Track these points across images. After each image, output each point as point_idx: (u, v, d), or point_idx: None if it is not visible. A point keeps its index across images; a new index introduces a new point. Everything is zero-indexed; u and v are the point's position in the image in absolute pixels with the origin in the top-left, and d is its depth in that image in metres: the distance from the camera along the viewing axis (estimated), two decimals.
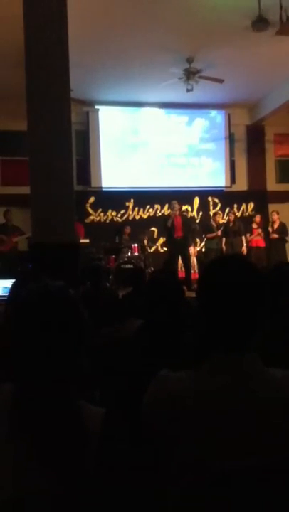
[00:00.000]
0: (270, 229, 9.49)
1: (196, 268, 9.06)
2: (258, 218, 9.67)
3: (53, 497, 0.90)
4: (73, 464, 0.93)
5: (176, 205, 8.65)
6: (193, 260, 9.08)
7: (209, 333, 1.07)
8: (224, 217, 9.75)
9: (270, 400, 1.01)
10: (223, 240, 9.16)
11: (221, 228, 9.14)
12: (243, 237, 9.34)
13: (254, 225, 9.58)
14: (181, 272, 8.37)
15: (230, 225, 9.30)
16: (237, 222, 9.46)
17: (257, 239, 9.47)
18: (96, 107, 10.05)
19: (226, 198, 10.67)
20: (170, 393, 1.03)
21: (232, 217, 9.48)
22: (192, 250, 9.15)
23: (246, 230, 9.62)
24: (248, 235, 9.52)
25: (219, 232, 9.07)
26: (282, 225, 9.49)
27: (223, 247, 9.13)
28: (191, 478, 0.97)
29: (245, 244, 9.32)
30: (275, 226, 9.50)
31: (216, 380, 1.02)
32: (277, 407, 1.01)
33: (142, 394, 1.08)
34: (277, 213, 9.66)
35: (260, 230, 9.46)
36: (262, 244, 9.45)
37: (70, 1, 4.53)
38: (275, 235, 9.40)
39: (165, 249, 9.89)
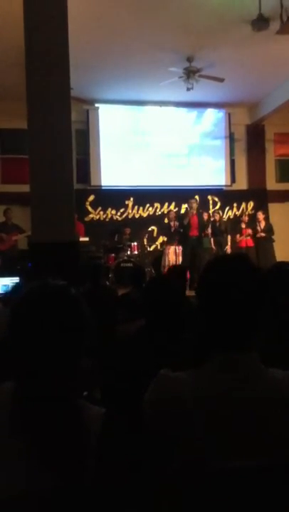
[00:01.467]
0: (258, 228, 9.50)
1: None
2: (245, 218, 9.69)
3: (54, 496, 0.90)
4: (73, 463, 0.93)
5: (195, 204, 8.65)
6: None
7: (209, 332, 1.07)
8: (214, 215, 9.60)
9: (270, 401, 1.02)
10: (212, 239, 9.13)
11: (210, 226, 9.12)
12: (229, 236, 9.35)
13: (243, 225, 9.58)
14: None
15: (217, 224, 9.31)
16: (223, 222, 9.49)
17: (247, 239, 9.49)
18: (96, 105, 10.04)
19: (226, 196, 10.68)
20: (170, 393, 1.03)
21: (217, 217, 9.46)
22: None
23: (235, 230, 9.61)
24: (237, 236, 9.52)
25: (209, 230, 9.06)
26: (268, 225, 9.52)
27: (213, 246, 9.10)
28: (191, 477, 0.98)
29: (229, 244, 9.31)
30: (262, 226, 9.52)
31: (216, 379, 1.02)
32: (277, 408, 1.01)
33: (143, 393, 1.08)
34: (263, 213, 9.67)
35: (249, 230, 9.48)
36: (251, 244, 9.47)
37: (71, 0, 4.53)
38: (263, 234, 9.41)
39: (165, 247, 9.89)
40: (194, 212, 8.56)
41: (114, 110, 10.20)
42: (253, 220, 9.78)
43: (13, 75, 6.87)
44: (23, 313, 0.97)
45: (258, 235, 9.43)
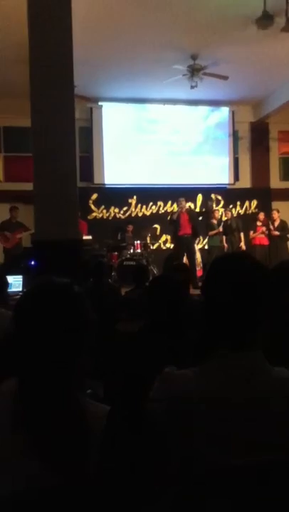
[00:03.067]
0: (271, 227, 9.49)
1: (200, 265, 9.05)
2: (261, 216, 9.67)
3: (55, 494, 0.90)
4: (76, 461, 0.93)
5: (183, 203, 8.63)
6: (198, 258, 9.07)
7: (214, 330, 1.07)
8: (222, 215, 9.69)
9: (274, 399, 1.01)
10: (224, 237, 9.18)
11: (221, 225, 9.16)
12: (242, 234, 9.36)
13: (258, 223, 9.58)
14: None
15: (229, 222, 9.32)
16: (234, 219, 9.48)
17: (260, 237, 9.47)
18: (100, 103, 10.02)
19: (230, 195, 10.65)
20: (175, 390, 1.03)
21: (229, 215, 9.50)
22: (196, 247, 9.13)
23: (250, 227, 9.62)
24: (251, 232, 9.53)
25: (221, 229, 9.10)
26: (283, 223, 9.49)
27: (225, 244, 9.15)
28: (193, 474, 0.98)
29: (243, 241, 9.33)
30: (276, 224, 9.51)
31: (221, 377, 1.02)
32: (281, 407, 1.01)
33: (146, 391, 1.08)
34: (278, 211, 9.66)
35: (264, 228, 9.46)
36: (265, 242, 9.45)
37: None
38: (276, 233, 9.40)
39: (168, 245, 9.89)
40: (183, 210, 8.52)
41: (117, 108, 10.18)
42: (268, 218, 9.75)
43: (17, 73, 6.86)
44: (27, 309, 0.97)
45: (272, 233, 9.41)
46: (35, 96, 4.28)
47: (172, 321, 1.73)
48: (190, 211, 8.76)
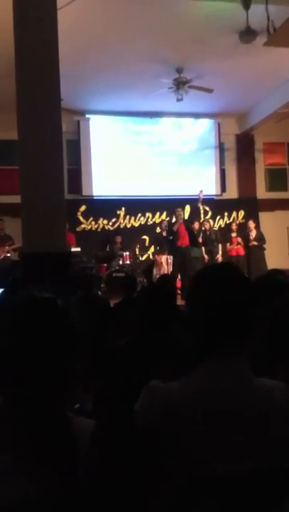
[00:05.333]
0: (250, 237, 9.58)
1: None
2: (235, 227, 9.76)
3: (43, 508, 0.89)
4: (63, 476, 0.92)
5: (181, 213, 8.64)
6: None
7: (199, 339, 1.07)
8: (204, 225, 9.68)
9: (260, 405, 1.02)
10: (203, 248, 9.20)
11: (201, 236, 9.19)
12: (220, 245, 9.42)
13: (233, 234, 9.65)
14: (178, 281, 8.29)
15: (208, 233, 9.37)
16: (213, 231, 9.54)
17: (237, 247, 9.54)
18: (87, 116, 10.09)
19: (217, 205, 10.73)
20: (160, 403, 1.03)
21: (207, 226, 9.54)
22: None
23: (225, 239, 9.68)
24: (227, 245, 9.59)
25: (200, 239, 9.12)
26: (259, 234, 9.60)
27: (205, 255, 9.17)
28: (182, 485, 0.97)
29: (220, 253, 9.38)
30: (253, 234, 9.59)
31: (206, 385, 1.02)
32: (267, 413, 1.01)
33: (133, 403, 1.07)
34: (253, 222, 9.76)
35: (239, 239, 9.54)
36: (242, 252, 9.53)
37: (61, 11, 4.57)
38: (255, 243, 9.48)
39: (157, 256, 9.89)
40: (181, 221, 8.54)
41: (104, 120, 10.26)
42: (242, 229, 9.85)
43: (3, 86, 6.87)
44: (9, 327, 0.95)
45: (251, 244, 9.49)
46: (22, 109, 4.29)
47: (161, 331, 1.73)
48: (185, 221, 8.78)
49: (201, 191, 9.14)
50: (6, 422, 0.94)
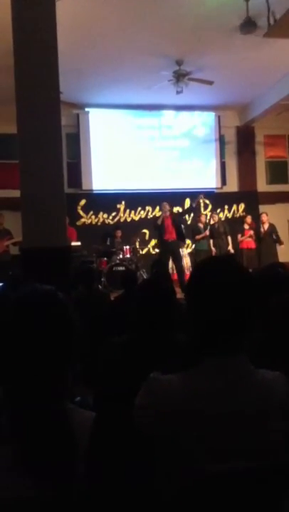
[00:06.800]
0: (261, 229, 9.56)
1: (190, 270, 9.05)
2: (248, 219, 9.73)
3: (43, 502, 0.89)
4: (63, 469, 0.92)
5: (167, 206, 8.60)
6: (187, 262, 9.07)
7: (199, 335, 1.07)
8: (209, 218, 9.74)
9: (259, 402, 1.01)
10: (211, 241, 9.20)
11: (208, 228, 9.19)
12: (229, 238, 9.40)
13: (246, 226, 9.64)
14: (174, 274, 8.34)
15: (216, 226, 9.36)
16: (221, 223, 9.52)
17: (248, 240, 9.52)
18: (86, 109, 10.04)
19: (217, 199, 10.71)
20: (160, 396, 1.03)
21: (216, 218, 9.54)
22: (184, 252, 9.13)
23: (237, 231, 9.67)
24: (239, 236, 9.58)
25: (207, 232, 9.12)
26: (271, 226, 9.57)
27: (212, 248, 9.18)
28: (181, 480, 0.97)
29: (231, 245, 9.36)
30: (265, 227, 9.58)
31: (206, 382, 1.02)
32: (266, 409, 1.01)
33: (133, 397, 1.07)
34: (267, 214, 9.73)
35: (252, 232, 9.51)
36: (253, 245, 9.50)
37: (60, 4, 4.53)
38: (266, 236, 9.47)
39: (157, 250, 9.89)
40: (168, 214, 8.48)
41: (104, 114, 10.21)
42: (256, 221, 9.80)
43: (2, 79, 6.83)
44: (12, 317, 0.96)
45: (263, 237, 9.47)
46: (21, 103, 4.27)
47: (161, 325, 1.73)
48: (174, 215, 8.73)
49: (201, 195, 9.15)
50: (5, 413, 0.94)
